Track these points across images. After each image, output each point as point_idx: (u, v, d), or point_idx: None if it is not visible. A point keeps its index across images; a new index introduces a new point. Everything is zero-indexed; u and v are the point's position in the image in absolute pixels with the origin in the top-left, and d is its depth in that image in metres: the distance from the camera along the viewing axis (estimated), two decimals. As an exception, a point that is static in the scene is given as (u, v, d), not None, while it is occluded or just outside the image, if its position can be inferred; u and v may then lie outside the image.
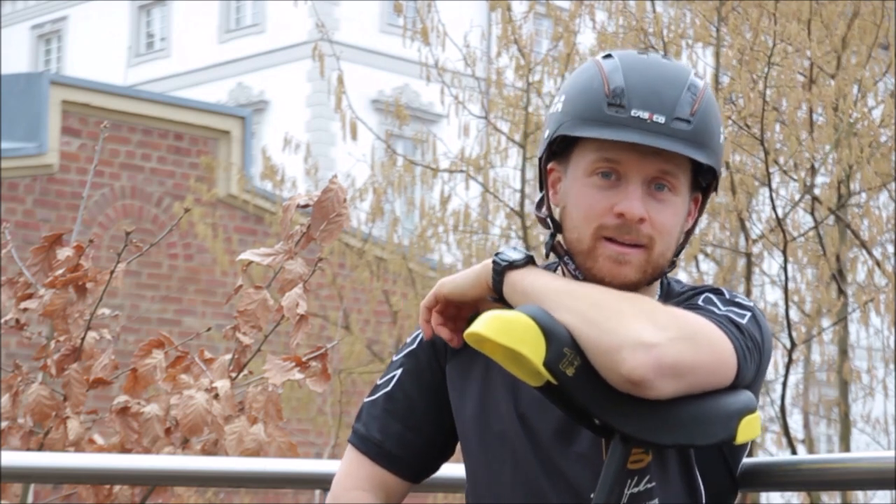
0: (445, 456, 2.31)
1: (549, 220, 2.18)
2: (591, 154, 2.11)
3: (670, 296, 2.20)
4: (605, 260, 2.09)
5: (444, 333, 2.21)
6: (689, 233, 2.20)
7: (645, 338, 1.94)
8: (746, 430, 2.03)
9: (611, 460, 2.03)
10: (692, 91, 2.10)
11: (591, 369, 1.98)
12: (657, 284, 2.21)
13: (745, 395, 2.05)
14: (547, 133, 2.16)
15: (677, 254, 2.17)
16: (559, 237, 2.17)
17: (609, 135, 2.07)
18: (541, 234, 9.03)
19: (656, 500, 2.10)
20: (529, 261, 2.13)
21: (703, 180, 2.17)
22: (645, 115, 2.06)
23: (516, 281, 2.10)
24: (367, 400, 2.30)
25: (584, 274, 2.11)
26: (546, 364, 1.97)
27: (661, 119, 2.06)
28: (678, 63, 2.17)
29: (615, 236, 2.09)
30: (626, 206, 2.08)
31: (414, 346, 2.29)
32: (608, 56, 2.15)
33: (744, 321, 2.09)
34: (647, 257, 2.10)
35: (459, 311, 2.21)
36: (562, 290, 2.04)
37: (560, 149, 2.17)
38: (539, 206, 2.22)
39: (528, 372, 2.01)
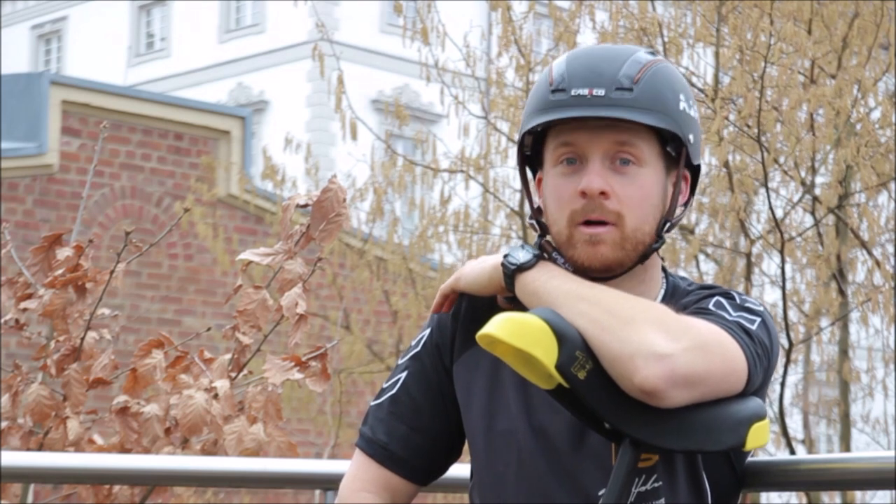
0: (452, 458, 2.31)
1: (535, 223, 2.21)
2: (552, 144, 2.16)
3: (676, 293, 2.21)
4: (581, 245, 2.12)
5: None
6: (675, 207, 2.19)
7: (658, 348, 1.95)
8: (756, 437, 2.04)
9: (620, 464, 2.03)
10: (636, 63, 2.13)
11: (602, 373, 1.98)
12: (660, 279, 2.23)
13: (755, 402, 2.06)
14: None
15: (663, 229, 2.17)
16: (548, 237, 2.19)
17: (552, 116, 2.11)
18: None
19: (663, 500, 2.11)
20: (539, 259, 2.14)
21: (672, 150, 2.17)
22: (584, 91, 2.11)
23: (527, 283, 2.11)
24: (372, 403, 2.30)
25: (570, 264, 2.14)
26: (558, 367, 1.97)
27: (601, 92, 2.10)
28: (630, 46, 2.20)
29: (585, 217, 2.12)
30: (585, 183, 2.11)
31: (418, 348, 2.29)
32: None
33: (754, 327, 2.09)
34: (620, 234, 2.12)
35: None
36: (574, 293, 2.05)
37: (534, 152, 2.22)
38: (532, 215, 2.25)
39: (539, 374, 2.01)
